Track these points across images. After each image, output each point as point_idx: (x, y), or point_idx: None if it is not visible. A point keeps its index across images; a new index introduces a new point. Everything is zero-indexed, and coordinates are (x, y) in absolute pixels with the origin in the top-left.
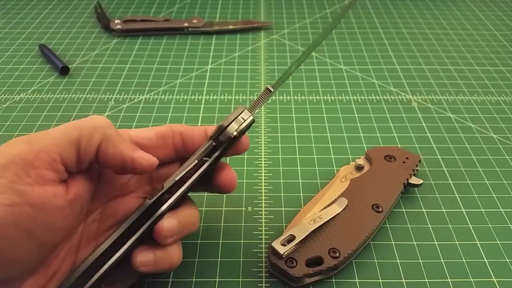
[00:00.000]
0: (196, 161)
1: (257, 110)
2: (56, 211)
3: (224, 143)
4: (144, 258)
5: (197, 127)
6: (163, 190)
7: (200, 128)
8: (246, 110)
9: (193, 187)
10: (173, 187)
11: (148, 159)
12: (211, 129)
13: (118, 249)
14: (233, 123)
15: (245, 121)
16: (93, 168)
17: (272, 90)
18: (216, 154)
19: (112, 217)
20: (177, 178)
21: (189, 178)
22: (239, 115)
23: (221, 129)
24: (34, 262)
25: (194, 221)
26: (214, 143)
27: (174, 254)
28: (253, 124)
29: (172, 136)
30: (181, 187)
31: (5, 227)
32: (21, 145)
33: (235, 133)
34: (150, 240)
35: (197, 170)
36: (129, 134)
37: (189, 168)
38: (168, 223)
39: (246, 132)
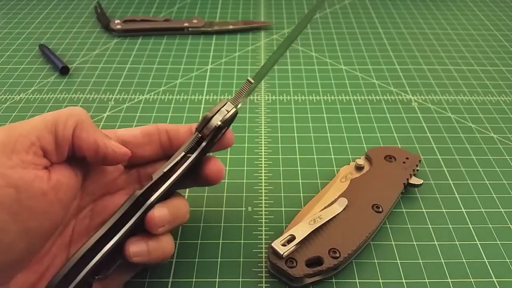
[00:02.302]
0: (183, 152)
1: (240, 103)
2: (39, 195)
3: (210, 134)
4: (137, 249)
5: (182, 125)
6: (152, 181)
7: (186, 125)
8: (229, 102)
9: (181, 179)
10: (161, 179)
11: (120, 147)
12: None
13: (110, 240)
14: (217, 114)
15: (228, 112)
16: (76, 161)
17: (252, 81)
18: (203, 144)
19: (102, 213)
20: (165, 170)
21: (178, 169)
22: (222, 106)
23: (206, 120)
24: (22, 249)
25: (184, 212)
26: (200, 135)
27: (166, 244)
28: (253, 124)
29: (158, 133)
30: (169, 178)
31: None
32: (0, 131)
33: (219, 122)
34: (142, 231)
35: (184, 162)
36: (116, 134)
37: (176, 159)
38: (159, 212)
39: (230, 127)
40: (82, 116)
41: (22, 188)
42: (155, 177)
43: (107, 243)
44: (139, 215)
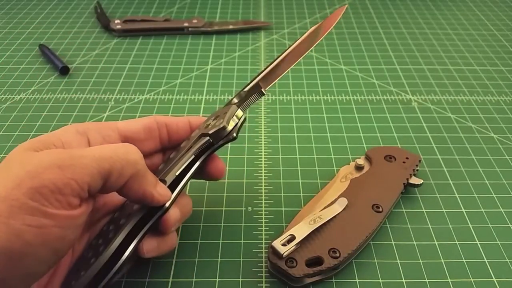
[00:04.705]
0: (194, 156)
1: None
2: (78, 229)
3: (222, 142)
4: (150, 247)
5: (180, 118)
6: (166, 185)
7: (184, 119)
8: (239, 109)
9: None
10: (174, 181)
11: (164, 194)
12: (194, 119)
13: (130, 243)
14: (231, 122)
15: (239, 119)
16: None
17: (264, 93)
18: (213, 148)
19: (102, 209)
20: (177, 173)
21: (187, 172)
22: (234, 114)
23: (223, 133)
24: (48, 270)
25: (189, 208)
26: (211, 140)
27: (173, 238)
28: (254, 124)
29: (157, 128)
30: (181, 180)
31: (36, 247)
32: (54, 169)
33: (234, 134)
34: (153, 229)
35: (194, 164)
36: (117, 127)
37: (187, 162)
38: (174, 214)
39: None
40: (138, 166)
41: (67, 226)
42: (169, 180)
43: (128, 246)
44: (156, 218)
